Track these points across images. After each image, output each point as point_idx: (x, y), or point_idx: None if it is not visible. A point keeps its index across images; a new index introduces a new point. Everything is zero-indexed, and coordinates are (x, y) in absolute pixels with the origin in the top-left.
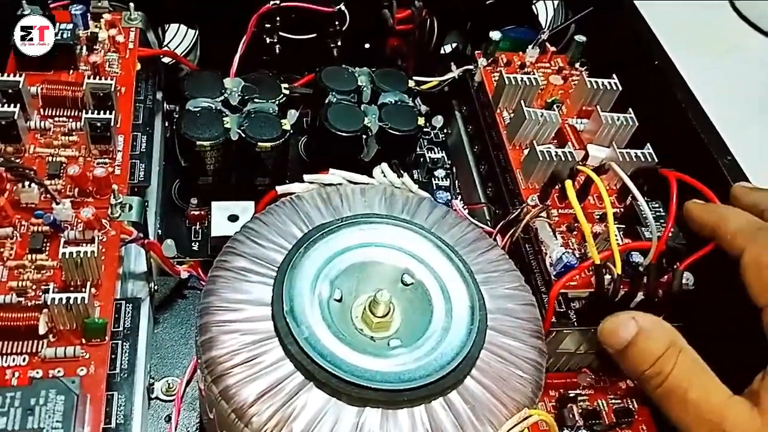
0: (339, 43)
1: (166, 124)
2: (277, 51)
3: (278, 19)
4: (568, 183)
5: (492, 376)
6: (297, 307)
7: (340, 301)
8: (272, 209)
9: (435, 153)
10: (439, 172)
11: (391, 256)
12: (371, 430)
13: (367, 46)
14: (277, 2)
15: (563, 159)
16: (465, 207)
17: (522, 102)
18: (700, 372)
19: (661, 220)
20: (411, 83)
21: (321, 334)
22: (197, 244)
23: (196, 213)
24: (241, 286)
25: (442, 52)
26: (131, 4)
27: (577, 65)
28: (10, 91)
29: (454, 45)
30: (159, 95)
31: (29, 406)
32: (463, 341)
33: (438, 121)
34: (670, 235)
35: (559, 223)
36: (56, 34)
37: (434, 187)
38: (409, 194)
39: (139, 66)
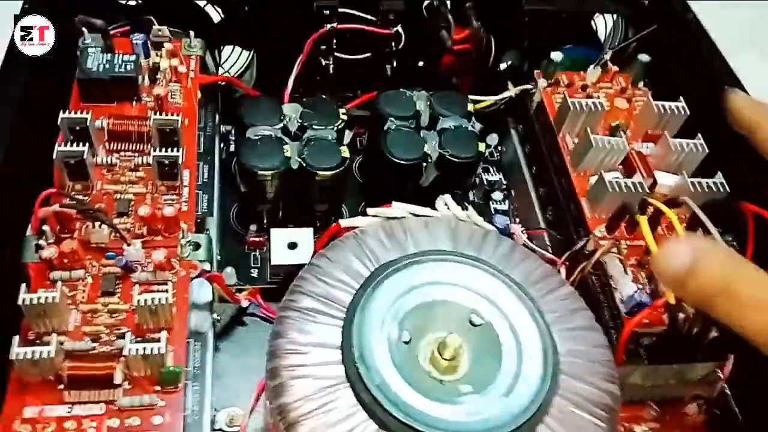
0: (394, 64)
1: (222, 146)
2: (331, 71)
3: (334, 41)
4: (643, 219)
5: (566, 424)
6: (367, 352)
7: (408, 343)
8: (337, 245)
9: (492, 174)
10: (497, 195)
11: (459, 295)
12: None
13: (421, 64)
14: (334, 25)
15: (633, 190)
16: (524, 232)
17: (588, 128)
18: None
19: None
20: (470, 106)
21: (392, 380)
22: (256, 270)
23: (255, 239)
24: (310, 327)
25: (498, 69)
26: (191, 32)
27: (640, 85)
28: (77, 128)
29: (510, 62)
30: (216, 119)
31: None
32: (537, 388)
33: (493, 139)
34: None
35: (628, 255)
36: (118, 66)
37: (492, 211)
38: (474, 227)
39: (200, 95)
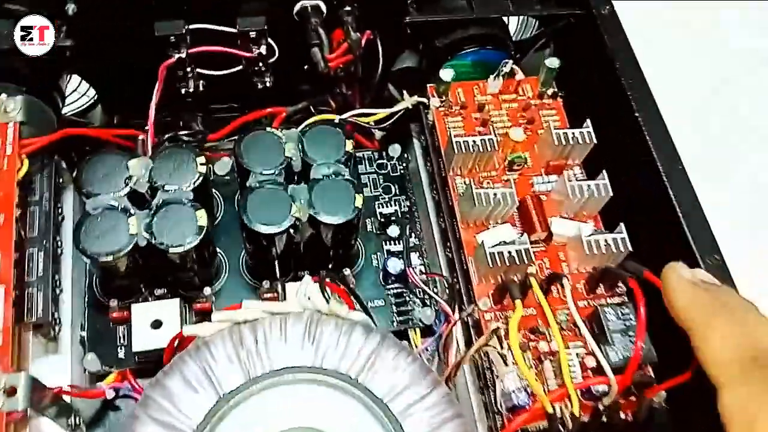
0: (270, 80)
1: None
2: (201, 88)
3: (190, 66)
4: (519, 306)
5: None
6: None
7: None
8: (174, 369)
9: (387, 207)
10: (392, 230)
11: (312, 422)
12: None
13: (306, 68)
14: (181, 54)
15: (516, 263)
16: (423, 273)
17: (471, 180)
18: None
19: (632, 333)
20: (349, 145)
21: None
22: (123, 350)
23: (118, 314)
24: None
25: (395, 68)
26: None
27: (549, 92)
28: None
29: (406, 65)
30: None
31: None
32: None
33: (395, 150)
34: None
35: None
36: None
37: (386, 254)
38: (338, 322)
39: (25, 166)
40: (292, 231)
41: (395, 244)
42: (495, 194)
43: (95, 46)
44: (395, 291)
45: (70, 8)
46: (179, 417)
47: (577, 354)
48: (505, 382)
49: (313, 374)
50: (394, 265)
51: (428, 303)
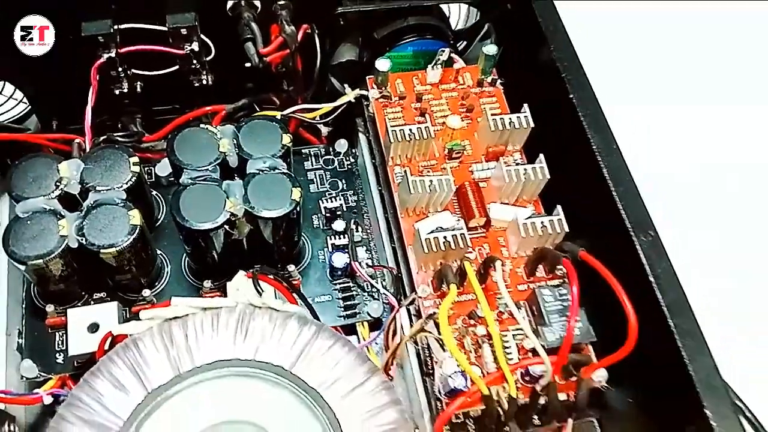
0: (208, 78)
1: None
2: (138, 89)
3: (125, 64)
4: (452, 290)
5: None
6: None
7: None
8: (101, 368)
9: (333, 200)
10: (338, 224)
11: (244, 414)
12: None
13: (248, 65)
14: (111, 54)
15: (452, 248)
16: (369, 266)
17: (407, 169)
18: None
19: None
20: (286, 139)
21: None
22: (62, 355)
23: (55, 320)
24: None
25: (337, 62)
26: None
27: (488, 80)
28: None
29: (347, 59)
30: None
31: None
32: None
33: (341, 145)
34: (576, 332)
35: (457, 314)
36: None
37: (330, 248)
38: (272, 314)
39: None
40: (229, 228)
41: (341, 238)
42: (431, 181)
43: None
44: (342, 286)
45: None
46: (106, 416)
47: (514, 336)
48: (444, 367)
49: (245, 367)
50: (340, 259)
51: (375, 296)
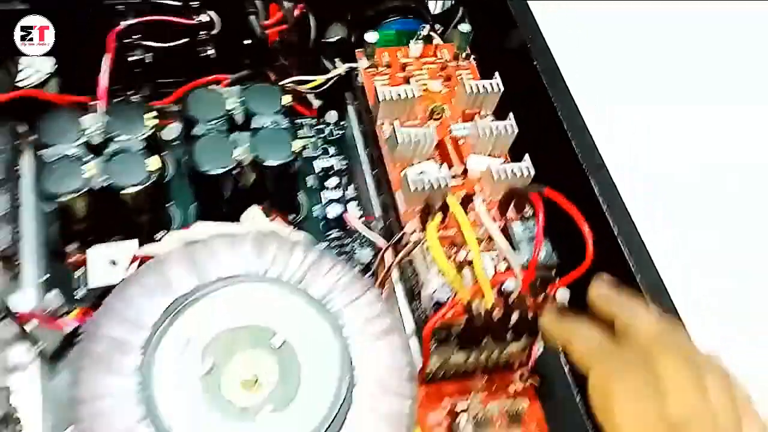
0: (213, 50)
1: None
2: (147, 61)
3: (136, 35)
4: (436, 220)
5: None
6: (161, 394)
7: (210, 372)
8: (132, 280)
9: (325, 159)
10: (331, 181)
11: (260, 319)
12: None
13: (247, 42)
14: (130, 22)
15: (435, 187)
16: (361, 217)
17: (395, 122)
18: None
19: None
20: (285, 99)
21: (190, 416)
22: (82, 290)
23: (76, 258)
24: (103, 378)
25: (328, 39)
26: None
27: (463, 55)
28: None
29: (337, 37)
30: (23, 128)
31: None
32: (332, 403)
33: (332, 116)
34: (542, 256)
35: (443, 242)
36: None
37: (323, 201)
38: (280, 239)
39: None
40: (236, 175)
41: (335, 191)
42: (416, 133)
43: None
44: (335, 236)
45: None
46: (136, 317)
47: (491, 259)
48: (428, 286)
49: (259, 282)
50: (333, 210)
51: (365, 245)
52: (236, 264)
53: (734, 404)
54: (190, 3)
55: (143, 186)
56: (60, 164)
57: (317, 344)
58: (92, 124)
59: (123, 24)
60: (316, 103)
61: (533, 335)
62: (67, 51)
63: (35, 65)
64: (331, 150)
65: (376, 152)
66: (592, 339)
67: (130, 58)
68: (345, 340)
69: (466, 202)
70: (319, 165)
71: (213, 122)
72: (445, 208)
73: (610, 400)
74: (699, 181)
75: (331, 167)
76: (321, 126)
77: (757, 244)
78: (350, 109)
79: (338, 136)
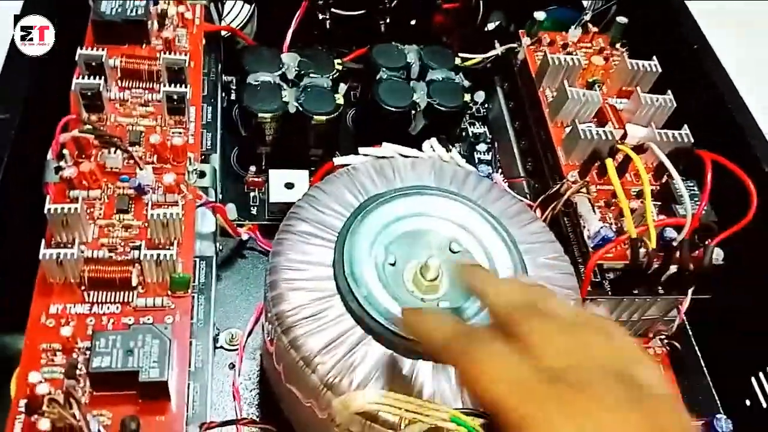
0: (387, 20)
1: (223, 95)
2: (328, 26)
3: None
4: (609, 161)
5: None
6: (356, 269)
7: (393, 265)
8: (331, 179)
9: (477, 128)
10: (481, 146)
11: (441, 226)
12: (423, 380)
13: (413, 22)
14: None
15: (603, 138)
16: (505, 180)
17: (565, 81)
18: None
19: (695, 199)
20: (458, 60)
21: (378, 294)
22: (255, 208)
23: (255, 180)
24: (305, 248)
25: (486, 29)
26: None
27: (617, 45)
28: (93, 63)
29: (498, 23)
30: (219, 67)
31: (129, 347)
32: None
33: (480, 96)
34: (703, 212)
35: (598, 198)
36: (130, 10)
37: (476, 161)
38: (456, 168)
39: (204, 41)
40: (412, 115)
41: (485, 155)
42: (583, 93)
43: None
44: None
45: None
46: (336, 207)
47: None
48: (593, 225)
49: (440, 191)
50: (483, 170)
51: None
52: (419, 179)
53: (622, 353)
54: None
55: (332, 115)
56: (262, 87)
57: (494, 254)
58: (289, 61)
59: None
60: (466, 83)
61: (683, 293)
62: (264, 2)
63: (237, 8)
64: (478, 124)
65: (536, 114)
66: (444, 324)
67: (320, 16)
68: (520, 254)
69: (639, 150)
70: (472, 130)
71: (394, 71)
72: (603, 164)
73: (480, 384)
74: None
75: (483, 134)
76: (469, 104)
77: None
78: (499, 91)
79: (484, 113)
